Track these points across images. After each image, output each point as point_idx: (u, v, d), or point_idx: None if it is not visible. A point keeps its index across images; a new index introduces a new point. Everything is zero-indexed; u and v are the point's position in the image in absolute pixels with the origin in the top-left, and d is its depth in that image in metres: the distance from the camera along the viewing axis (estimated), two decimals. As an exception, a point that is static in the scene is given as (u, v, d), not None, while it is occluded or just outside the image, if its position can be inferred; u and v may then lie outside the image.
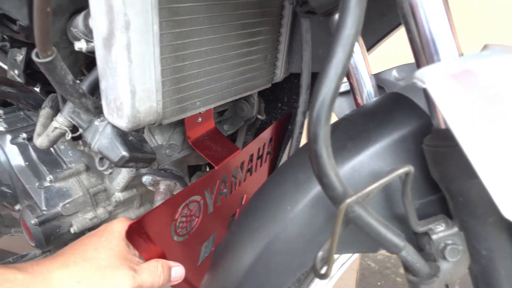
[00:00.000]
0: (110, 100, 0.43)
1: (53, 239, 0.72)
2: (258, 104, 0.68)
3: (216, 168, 0.55)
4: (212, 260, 0.46)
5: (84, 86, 0.51)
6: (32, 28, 0.51)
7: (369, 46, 0.57)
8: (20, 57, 0.63)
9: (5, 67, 0.71)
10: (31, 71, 0.65)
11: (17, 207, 0.74)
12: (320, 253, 0.33)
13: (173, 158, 0.62)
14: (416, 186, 0.35)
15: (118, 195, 0.78)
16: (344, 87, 0.57)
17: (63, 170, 0.74)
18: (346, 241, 0.36)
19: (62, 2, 0.45)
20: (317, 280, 0.40)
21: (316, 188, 0.37)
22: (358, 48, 0.52)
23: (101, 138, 0.46)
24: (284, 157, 0.84)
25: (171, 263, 0.47)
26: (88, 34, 0.43)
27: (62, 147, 0.79)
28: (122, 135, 0.47)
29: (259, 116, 0.71)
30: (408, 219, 0.34)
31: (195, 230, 0.55)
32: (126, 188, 0.77)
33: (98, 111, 0.48)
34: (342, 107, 0.58)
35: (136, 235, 0.43)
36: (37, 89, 0.68)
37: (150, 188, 0.70)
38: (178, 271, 0.47)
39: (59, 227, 0.72)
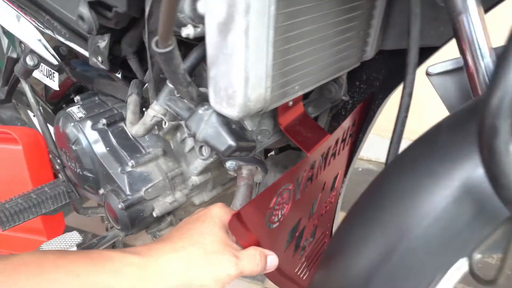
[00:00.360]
0: (220, 88, 0.41)
1: (137, 222, 0.73)
2: (345, 85, 0.64)
3: (308, 154, 0.53)
4: (328, 252, 0.44)
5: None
6: (127, 14, 0.50)
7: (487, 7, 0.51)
8: (103, 43, 0.62)
9: (86, 53, 0.71)
10: (112, 57, 0.65)
11: (101, 191, 0.76)
12: (478, 256, 0.30)
13: (264, 145, 0.60)
14: None
15: (195, 179, 0.77)
16: (453, 63, 0.52)
17: (143, 155, 0.75)
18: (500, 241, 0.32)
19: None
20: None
21: (461, 182, 0.34)
22: (475, 10, 0.46)
23: (207, 127, 0.45)
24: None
25: (266, 251, 0.46)
26: (195, 19, 0.41)
27: (138, 131, 0.79)
28: (226, 123, 0.45)
29: (343, 98, 0.67)
30: None
31: (284, 217, 0.53)
32: (202, 172, 0.77)
33: (200, 99, 0.47)
34: (448, 87, 0.54)
35: (238, 224, 0.42)
36: (118, 75, 0.68)
37: (232, 173, 0.69)
38: (273, 259, 0.47)
39: (143, 211, 0.73)
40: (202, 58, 0.45)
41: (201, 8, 0.40)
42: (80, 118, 0.77)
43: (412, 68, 0.49)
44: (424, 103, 1.56)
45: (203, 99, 0.47)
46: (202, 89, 0.47)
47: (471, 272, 0.30)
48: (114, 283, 0.34)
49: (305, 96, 0.67)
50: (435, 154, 0.37)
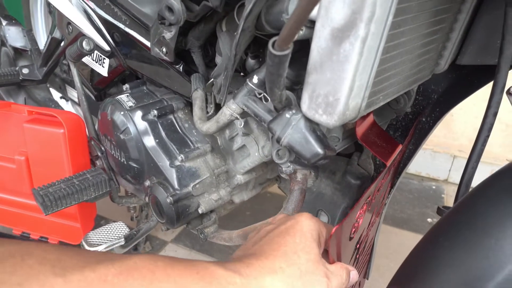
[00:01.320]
0: (319, 94, 0.40)
1: (183, 217, 0.72)
2: (414, 96, 0.63)
3: (387, 164, 0.52)
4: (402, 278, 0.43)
5: (262, 74, 0.49)
6: (214, 10, 0.49)
7: None
8: (169, 34, 0.61)
9: (147, 43, 0.70)
10: (177, 50, 0.64)
11: (147, 183, 0.75)
12: None
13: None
14: None
15: (240, 178, 0.77)
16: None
17: (192, 150, 0.74)
18: None
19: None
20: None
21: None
22: None
23: (294, 133, 0.44)
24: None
25: (349, 267, 0.46)
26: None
27: (186, 125, 0.78)
28: (314, 130, 0.44)
29: (407, 109, 0.66)
30: None
31: (357, 229, 0.53)
32: (248, 171, 0.76)
33: (286, 103, 0.45)
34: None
35: (335, 239, 0.41)
36: (180, 68, 0.67)
37: (284, 176, 0.68)
38: (354, 275, 0.46)
39: (189, 207, 0.72)
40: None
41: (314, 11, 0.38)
42: (130, 107, 0.76)
43: (500, 88, 0.48)
44: (455, 118, 1.55)
45: (288, 103, 0.46)
46: (288, 92, 0.46)
47: None
48: None
49: None
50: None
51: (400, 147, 0.57)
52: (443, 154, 1.65)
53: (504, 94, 0.52)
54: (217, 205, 0.75)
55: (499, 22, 0.51)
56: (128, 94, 0.79)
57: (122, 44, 0.75)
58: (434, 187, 1.65)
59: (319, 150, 0.44)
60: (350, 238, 0.51)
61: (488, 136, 0.50)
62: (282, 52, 0.34)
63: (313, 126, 0.45)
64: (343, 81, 0.38)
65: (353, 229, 0.50)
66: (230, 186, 0.79)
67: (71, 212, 0.90)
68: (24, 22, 1.31)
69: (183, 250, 1.23)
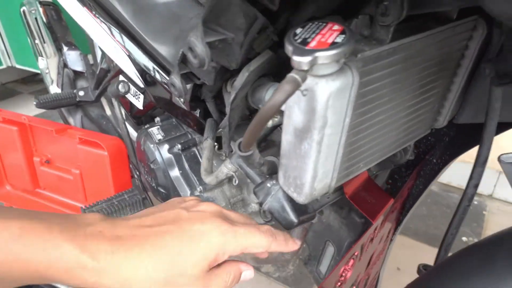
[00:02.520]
0: (290, 176, 0.45)
1: (201, 241, 0.82)
2: (412, 149, 0.65)
3: (373, 223, 0.56)
4: None
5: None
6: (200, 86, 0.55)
7: None
8: (188, 86, 0.68)
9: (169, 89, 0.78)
10: (193, 97, 0.71)
11: (172, 208, 0.86)
12: None
13: (324, 205, 0.63)
14: None
15: (254, 206, 0.83)
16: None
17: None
18: None
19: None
20: None
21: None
22: None
23: (272, 201, 0.50)
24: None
25: (242, 266, 0.43)
26: (277, 113, 0.45)
27: (208, 156, 0.86)
28: (291, 200, 0.50)
29: (409, 157, 0.67)
30: None
31: (346, 279, 0.57)
32: (262, 201, 0.82)
33: (269, 172, 0.51)
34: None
35: None
36: (197, 114, 0.74)
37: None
38: (248, 275, 0.44)
39: (206, 233, 0.81)
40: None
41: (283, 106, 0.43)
42: (159, 140, 0.86)
43: (482, 162, 0.49)
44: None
45: (272, 171, 0.51)
46: (270, 159, 0.51)
47: None
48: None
49: None
50: (490, 274, 0.38)
51: (391, 202, 0.60)
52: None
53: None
54: (232, 231, 0.83)
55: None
56: (158, 126, 0.89)
57: (151, 85, 0.84)
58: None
59: (294, 219, 0.49)
60: None
61: (468, 205, 0.51)
62: (246, 153, 0.40)
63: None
64: (305, 172, 0.42)
65: (339, 283, 0.55)
66: (246, 213, 0.86)
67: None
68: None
69: None
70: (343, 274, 0.55)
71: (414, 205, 0.77)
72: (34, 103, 1.13)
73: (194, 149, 0.86)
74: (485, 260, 0.40)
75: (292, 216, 0.49)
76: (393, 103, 0.48)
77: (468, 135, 0.72)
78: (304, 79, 0.33)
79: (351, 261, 0.55)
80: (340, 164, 0.46)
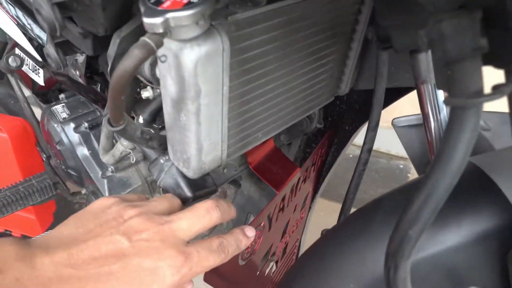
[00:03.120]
0: (177, 150, 0.43)
1: (116, 223, 0.78)
2: (318, 116, 0.65)
3: (278, 193, 0.55)
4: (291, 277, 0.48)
5: (146, 114, 0.51)
6: (96, 57, 0.50)
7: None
8: (81, 58, 0.62)
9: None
10: (91, 71, 0.65)
11: (83, 191, 0.80)
12: None
13: (230, 177, 0.62)
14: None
15: (173, 183, 0.81)
16: (416, 119, 0.53)
17: (123, 161, 0.77)
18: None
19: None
20: None
21: (380, 272, 0.37)
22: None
23: (166, 177, 0.47)
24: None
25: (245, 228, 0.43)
26: (154, 82, 0.42)
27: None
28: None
29: (317, 125, 0.68)
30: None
31: (256, 250, 0.57)
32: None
33: (162, 148, 0.48)
34: (411, 139, 0.55)
35: (213, 275, 0.46)
36: (98, 88, 0.69)
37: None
38: (249, 231, 0.43)
39: (121, 214, 0.78)
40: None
41: (158, 74, 0.40)
42: (63, 119, 0.79)
43: (374, 125, 0.50)
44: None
45: (165, 148, 0.48)
46: (163, 133, 0.48)
47: None
48: None
49: None
50: (366, 239, 0.39)
51: (298, 171, 0.60)
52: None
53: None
54: (150, 210, 0.80)
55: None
56: (63, 104, 0.82)
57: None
58: (401, 166, 1.68)
59: (188, 194, 0.47)
60: (242, 262, 0.55)
61: (364, 170, 0.53)
62: (117, 128, 0.37)
63: None
64: (188, 145, 0.40)
65: (245, 255, 0.54)
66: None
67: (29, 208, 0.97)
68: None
69: None
70: (250, 245, 0.55)
71: (330, 171, 0.79)
72: None
73: (104, 127, 0.80)
74: (365, 223, 0.41)
75: (187, 192, 0.47)
76: (283, 70, 0.46)
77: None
78: (158, 44, 0.30)
79: (257, 232, 0.55)
80: (231, 135, 0.45)
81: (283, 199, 0.60)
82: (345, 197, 0.55)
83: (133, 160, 0.54)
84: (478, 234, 0.34)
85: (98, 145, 0.79)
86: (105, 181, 0.76)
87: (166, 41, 0.33)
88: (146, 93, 0.42)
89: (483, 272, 0.32)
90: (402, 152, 1.73)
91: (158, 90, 0.42)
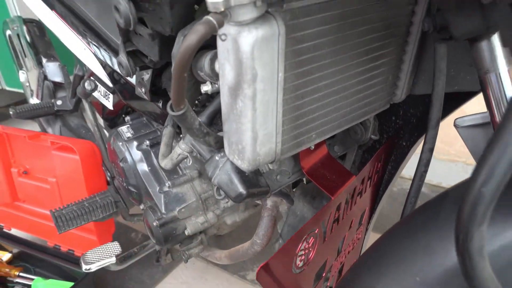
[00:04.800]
0: (232, 142, 0.44)
1: (170, 239, 0.79)
2: (373, 126, 0.64)
3: (333, 199, 0.54)
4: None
5: (204, 117, 0.53)
6: (159, 61, 0.55)
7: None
8: (146, 76, 0.68)
9: (133, 82, 0.78)
10: (155, 88, 0.71)
11: (141, 206, 0.83)
12: None
13: (284, 184, 0.62)
14: None
15: (227, 202, 0.81)
16: (482, 118, 0.50)
17: (179, 177, 0.80)
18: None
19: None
20: None
21: (451, 263, 0.33)
22: (505, 70, 0.44)
23: (221, 174, 0.48)
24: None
25: None
26: (214, 77, 0.44)
27: (178, 152, 0.85)
28: (240, 171, 0.48)
29: (372, 136, 0.66)
30: None
31: (310, 261, 0.55)
32: (233, 195, 0.80)
33: (218, 145, 0.50)
34: (476, 140, 0.51)
35: (266, 275, 0.44)
36: (160, 104, 0.74)
37: (258, 201, 0.72)
38: None
39: (175, 229, 0.79)
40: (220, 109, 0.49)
41: (217, 68, 0.43)
42: (128, 138, 0.85)
43: (434, 125, 0.48)
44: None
45: (221, 145, 0.50)
46: (221, 134, 0.50)
47: None
48: None
49: (331, 137, 0.67)
50: (434, 230, 0.36)
51: (353, 179, 0.58)
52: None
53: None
54: (203, 227, 0.81)
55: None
56: (128, 125, 0.88)
57: (119, 82, 0.84)
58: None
59: (242, 190, 0.47)
60: (296, 272, 0.53)
61: (425, 171, 0.50)
62: (178, 113, 0.39)
63: None
64: (244, 132, 0.41)
65: (299, 263, 0.52)
66: (219, 209, 0.84)
67: (89, 226, 1.02)
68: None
69: (201, 263, 1.31)
70: (304, 253, 0.52)
71: (387, 189, 0.75)
72: (11, 112, 1.13)
73: (164, 145, 0.85)
74: (431, 215, 0.38)
75: (240, 188, 0.47)
76: (338, 67, 0.47)
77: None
78: (220, 23, 0.32)
79: (311, 239, 0.53)
80: (285, 131, 0.45)
81: (338, 209, 0.58)
82: (406, 201, 0.51)
83: (189, 162, 0.56)
84: None
85: (158, 162, 0.83)
86: (162, 195, 0.79)
87: (226, 26, 0.35)
88: (205, 87, 0.44)
89: None
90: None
91: (216, 85, 0.44)
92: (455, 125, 0.51)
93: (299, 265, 0.53)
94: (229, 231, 1.02)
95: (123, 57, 0.53)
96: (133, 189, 0.86)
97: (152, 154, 0.83)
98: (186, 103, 0.39)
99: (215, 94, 0.53)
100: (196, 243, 0.81)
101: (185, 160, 0.56)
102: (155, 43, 0.48)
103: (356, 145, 0.67)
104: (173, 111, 0.39)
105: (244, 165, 0.44)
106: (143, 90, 0.70)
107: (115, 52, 0.80)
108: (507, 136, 0.23)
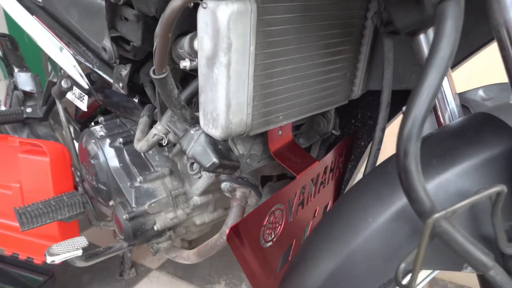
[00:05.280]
0: (207, 111, 0.49)
1: (139, 234, 0.80)
2: (334, 120, 0.70)
3: (297, 177, 0.58)
4: (289, 267, 0.48)
5: (182, 98, 0.58)
6: (142, 48, 0.59)
7: (455, 63, 0.57)
8: (124, 72, 0.72)
9: (110, 80, 0.82)
10: (132, 84, 0.75)
11: (111, 203, 0.84)
12: (403, 265, 0.34)
13: (253, 167, 0.66)
14: (507, 207, 0.35)
15: (196, 199, 0.84)
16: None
17: (151, 173, 0.82)
18: (429, 257, 0.36)
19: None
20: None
21: (399, 203, 0.38)
22: None
23: (195, 146, 0.52)
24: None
25: None
26: (192, 54, 0.49)
27: (150, 152, 0.88)
28: (213, 143, 0.52)
29: (333, 132, 0.73)
30: (496, 240, 0.34)
31: (277, 238, 0.58)
32: (203, 193, 0.83)
33: (193, 121, 0.54)
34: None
35: (235, 237, 0.47)
36: (136, 100, 0.77)
37: (227, 194, 0.75)
38: None
39: (145, 224, 0.80)
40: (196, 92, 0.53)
41: (196, 45, 0.48)
42: (101, 136, 0.87)
43: (385, 106, 0.55)
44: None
45: (196, 121, 0.54)
46: (196, 113, 0.55)
47: (396, 279, 0.34)
48: None
49: (297, 128, 0.73)
50: (383, 179, 0.41)
51: (316, 163, 0.63)
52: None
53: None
54: (172, 223, 0.82)
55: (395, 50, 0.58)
56: (102, 125, 0.90)
57: (96, 83, 0.88)
58: None
59: (215, 159, 0.51)
60: (264, 245, 0.56)
61: (379, 149, 0.56)
62: (160, 76, 0.43)
63: (215, 141, 0.53)
64: (219, 100, 0.46)
65: (266, 236, 0.55)
66: (189, 207, 0.86)
67: (53, 234, 0.99)
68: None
69: (166, 277, 1.29)
70: (272, 227, 0.56)
71: (348, 185, 0.81)
72: (-23, 117, 1.12)
73: (136, 144, 0.87)
74: (380, 169, 0.44)
75: (214, 157, 0.51)
76: (302, 54, 0.54)
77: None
78: (202, -9, 0.38)
79: (278, 213, 0.56)
80: (255, 106, 0.51)
81: (303, 192, 0.62)
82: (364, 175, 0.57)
83: (164, 142, 0.59)
84: (490, 156, 0.37)
85: (130, 159, 0.85)
86: (133, 190, 0.80)
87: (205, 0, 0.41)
88: (184, 63, 0.49)
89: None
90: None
91: (194, 62, 0.50)
92: (403, 113, 0.58)
93: (267, 238, 0.56)
94: (197, 236, 1.03)
95: (107, 42, 0.57)
96: (103, 187, 0.87)
97: (125, 151, 0.85)
98: (168, 68, 0.44)
99: (191, 79, 0.58)
100: (165, 238, 0.82)
101: (163, 142, 0.59)
102: (139, 26, 0.53)
103: (320, 138, 0.73)
104: (155, 74, 0.43)
105: (218, 132, 0.48)
106: (120, 85, 0.74)
107: (94, 53, 0.84)
108: (430, 77, 0.30)
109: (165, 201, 0.82)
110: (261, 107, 0.52)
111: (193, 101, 0.60)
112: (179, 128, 0.57)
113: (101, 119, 0.92)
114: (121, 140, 0.85)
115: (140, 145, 0.62)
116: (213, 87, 0.46)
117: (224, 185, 0.71)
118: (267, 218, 0.54)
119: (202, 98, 0.49)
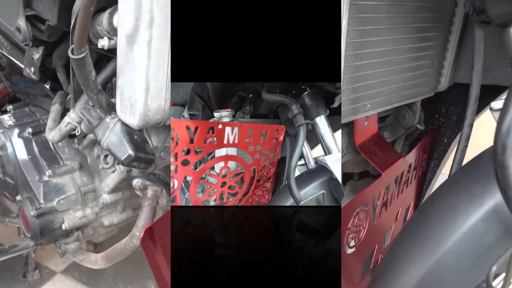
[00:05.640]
0: (125, 97, 0.45)
1: (47, 232, 0.72)
2: (419, 113, 0.69)
3: (383, 174, 0.55)
4: (375, 275, 0.45)
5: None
6: (57, 27, 0.55)
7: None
8: (37, 55, 0.66)
9: (21, 65, 0.75)
10: (44, 69, 0.69)
11: (18, 197, 0.76)
12: (494, 268, 0.33)
13: (167, 162, 0.63)
14: None
15: (106, 197, 0.77)
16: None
17: (60, 166, 0.75)
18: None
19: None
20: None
21: (491, 202, 0.37)
22: None
23: (111, 135, 0.48)
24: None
25: None
26: (111, 32, 0.46)
27: (60, 144, 0.80)
28: (129, 133, 0.49)
29: (418, 126, 0.70)
30: None
31: (361, 242, 0.54)
32: (113, 190, 0.77)
33: (109, 108, 0.50)
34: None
35: (150, 240, 0.44)
36: (47, 86, 0.71)
37: (138, 192, 0.69)
38: None
39: (53, 222, 0.73)
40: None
41: (116, 21, 0.46)
42: (9, 125, 0.78)
43: (474, 100, 0.54)
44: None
45: (112, 108, 0.50)
46: (113, 100, 0.51)
47: (487, 283, 0.33)
48: None
49: (382, 120, 0.70)
50: (473, 177, 0.40)
51: (402, 160, 0.59)
52: None
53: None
54: (81, 223, 0.75)
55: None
56: (10, 114, 0.82)
57: (5, 69, 0.80)
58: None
59: (131, 152, 0.47)
60: (348, 251, 0.52)
61: (466, 146, 0.55)
62: (78, 56, 0.40)
63: (131, 130, 0.49)
64: (137, 82, 0.43)
65: (350, 240, 0.52)
66: (98, 206, 0.79)
67: None
68: None
69: (71, 281, 1.22)
70: (356, 230, 0.51)
71: (430, 185, 0.79)
72: None
73: (46, 134, 0.80)
74: (470, 167, 0.42)
75: (130, 149, 0.47)
76: (392, 36, 0.51)
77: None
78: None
79: (362, 215, 0.52)
80: (343, 90, 0.47)
81: (387, 191, 0.58)
82: (449, 174, 0.52)
83: (78, 132, 0.54)
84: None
85: (39, 151, 0.77)
86: (41, 185, 0.73)
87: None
88: (102, 42, 0.46)
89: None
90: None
91: (113, 41, 0.47)
92: (490, 108, 0.53)
93: (350, 244, 0.52)
94: (104, 239, 0.94)
95: (21, 21, 0.52)
96: (10, 180, 0.78)
97: (34, 142, 0.78)
98: (87, 47, 0.41)
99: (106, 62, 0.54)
100: (73, 238, 0.76)
101: (77, 130, 0.54)
102: (55, 3, 0.50)
103: (404, 133, 0.70)
104: (73, 54, 0.40)
105: (135, 121, 0.45)
106: (32, 69, 0.68)
107: (4, 35, 0.77)
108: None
109: (74, 198, 0.75)
110: (349, 92, 0.48)
111: (107, 87, 0.57)
112: (94, 116, 0.52)
113: (9, 107, 0.83)
114: (30, 130, 0.77)
115: (52, 134, 0.56)
116: (132, 68, 0.44)
117: (136, 182, 0.64)
118: (351, 220, 0.50)
119: (120, 81, 0.46)
